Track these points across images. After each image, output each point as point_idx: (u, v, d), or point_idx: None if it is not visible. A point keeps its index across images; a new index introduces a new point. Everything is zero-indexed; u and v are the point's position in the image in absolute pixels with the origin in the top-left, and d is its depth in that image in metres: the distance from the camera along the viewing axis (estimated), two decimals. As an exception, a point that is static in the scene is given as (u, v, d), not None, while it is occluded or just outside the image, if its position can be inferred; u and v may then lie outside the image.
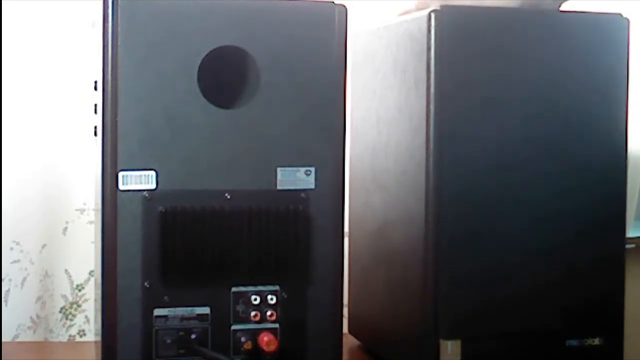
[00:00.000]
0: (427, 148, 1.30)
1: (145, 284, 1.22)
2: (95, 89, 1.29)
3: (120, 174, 1.21)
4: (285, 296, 1.26)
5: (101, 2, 1.20)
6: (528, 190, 1.33)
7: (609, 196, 1.36)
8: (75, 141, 1.66)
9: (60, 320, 1.68)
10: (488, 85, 1.31)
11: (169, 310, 1.23)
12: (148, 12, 1.20)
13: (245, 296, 1.25)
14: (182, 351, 1.24)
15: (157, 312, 1.23)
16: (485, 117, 1.31)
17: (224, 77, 1.25)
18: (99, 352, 1.24)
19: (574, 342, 1.36)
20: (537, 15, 1.34)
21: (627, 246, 1.39)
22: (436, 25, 1.28)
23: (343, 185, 1.28)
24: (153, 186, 1.22)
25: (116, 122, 1.20)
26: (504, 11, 1.34)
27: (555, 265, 1.34)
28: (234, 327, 1.25)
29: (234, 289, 1.25)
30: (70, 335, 1.69)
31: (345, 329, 1.38)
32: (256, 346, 1.25)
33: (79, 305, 1.68)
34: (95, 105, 1.31)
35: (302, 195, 1.26)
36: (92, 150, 1.38)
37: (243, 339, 1.25)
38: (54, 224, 1.67)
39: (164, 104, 1.21)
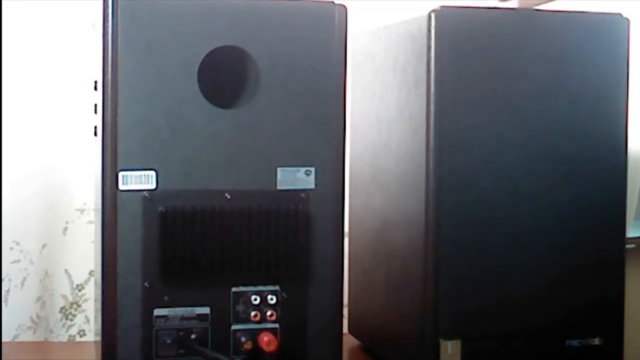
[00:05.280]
0: (427, 148, 1.30)
1: (145, 284, 1.22)
2: (95, 89, 1.29)
3: (120, 174, 1.21)
4: (285, 296, 1.26)
5: (101, 2, 1.20)
6: (528, 190, 1.33)
7: (609, 196, 1.36)
8: (75, 141, 1.66)
9: (60, 320, 1.68)
10: (488, 85, 1.31)
11: (169, 310, 1.23)
12: (148, 12, 1.20)
13: (245, 296, 1.25)
14: (182, 351, 1.24)
15: (157, 312, 1.23)
16: (485, 117, 1.31)
17: (224, 77, 1.25)
18: (99, 352, 1.24)
19: (574, 342, 1.35)
20: (537, 16, 1.34)
21: (627, 246, 1.39)
22: (436, 25, 1.28)
23: (343, 185, 1.28)
24: (153, 186, 1.22)
25: (116, 122, 1.20)
26: (503, 11, 1.34)
27: (555, 265, 1.34)
28: (234, 327, 1.25)
29: (234, 289, 1.25)
30: (70, 335, 1.69)
31: (345, 329, 1.38)
32: (256, 346, 1.25)
33: (79, 305, 1.68)
34: (95, 105, 1.30)
35: (302, 195, 1.26)
36: (92, 150, 1.38)
37: (243, 339, 1.25)
38: (54, 224, 1.67)
39: (164, 104, 1.21)
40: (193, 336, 1.24)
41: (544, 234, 1.34)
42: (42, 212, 1.66)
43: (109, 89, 1.20)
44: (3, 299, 1.66)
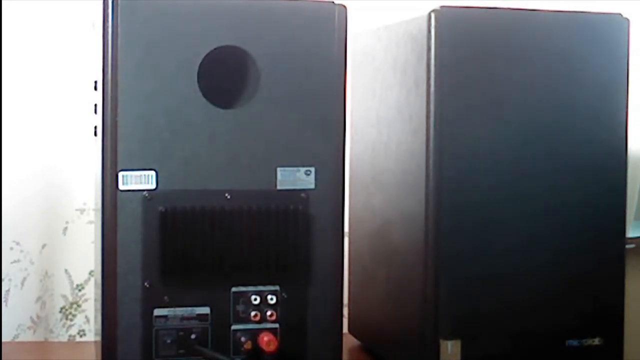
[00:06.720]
0: (427, 148, 1.30)
1: (145, 284, 1.22)
2: (95, 89, 1.29)
3: (120, 174, 1.21)
4: (285, 296, 1.26)
5: (101, 2, 1.20)
6: (528, 190, 1.33)
7: (608, 196, 1.36)
8: (75, 141, 1.66)
9: (60, 320, 1.68)
10: (488, 85, 1.31)
11: (169, 310, 1.23)
12: (148, 12, 1.20)
13: (245, 296, 1.25)
14: (182, 351, 1.24)
15: (157, 312, 1.23)
16: (485, 117, 1.31)
17: (224, 77, 1.25)
18: (99, 352, 1.24)
19: (574, 342, 1.35)
20: (537, 15, 1.34)
21: (627, 246, 1.39)
22: (436, 25, 1.28)
23: (343, 185, 1.29)
24: (153, 186, 1.22)
25: (116, 122, 1.20)
26: (503, 11, 1.34)
27: (555, 265, 1.34)
28: (234, 327, 1.25)
29: (234, 289, 1.25)
30: (70, 335, 1.69)
31: (345, 329, 1.38)
32: (256, 346, 1.25)
33: (79, 305, 1.69)
34: (95, 105, 1.31)
35: (302, 195, 1.26)
36: (92, 150, 1.39)
37: (243, 339, 1.25)
38: (54, 224, 1.67)
39: (164, 104, 1.21)
40: (193, 336, 1.24)
41: (544, 234, 1.34)
42: (42, 212, 1.66)
43: (109, 89, 1.20)
44: (3, 299, 1.66)
